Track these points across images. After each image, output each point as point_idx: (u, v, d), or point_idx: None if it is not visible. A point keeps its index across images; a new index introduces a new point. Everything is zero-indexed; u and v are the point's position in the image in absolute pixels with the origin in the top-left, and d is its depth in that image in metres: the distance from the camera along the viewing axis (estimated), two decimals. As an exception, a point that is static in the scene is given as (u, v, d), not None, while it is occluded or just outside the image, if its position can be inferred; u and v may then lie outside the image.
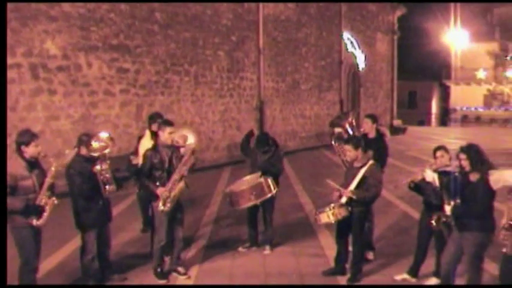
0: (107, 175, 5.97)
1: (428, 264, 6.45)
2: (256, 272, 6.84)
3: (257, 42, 18.59)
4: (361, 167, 6.43)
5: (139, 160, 7.37)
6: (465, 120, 42.97)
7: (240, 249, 7.71)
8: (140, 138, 8.10)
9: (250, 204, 7.34)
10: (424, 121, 45.94)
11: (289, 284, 6.46)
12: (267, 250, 7.61)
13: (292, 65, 20.90)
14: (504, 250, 5.08)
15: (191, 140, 6.76)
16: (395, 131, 29.12)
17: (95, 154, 5.93)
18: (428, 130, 35.77)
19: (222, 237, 8.43)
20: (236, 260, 7.30)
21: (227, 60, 17.23)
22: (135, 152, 7.96)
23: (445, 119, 46.59)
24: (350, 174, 6.52)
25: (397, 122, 30.88)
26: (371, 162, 6.48)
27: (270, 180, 7.37)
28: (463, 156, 5.45)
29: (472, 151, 5.46)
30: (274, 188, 7.39)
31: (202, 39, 16.11)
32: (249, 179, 7.58)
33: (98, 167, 5.90)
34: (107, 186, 6.01)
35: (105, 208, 6.22)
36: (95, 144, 5.94)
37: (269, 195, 7.34)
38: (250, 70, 18.37)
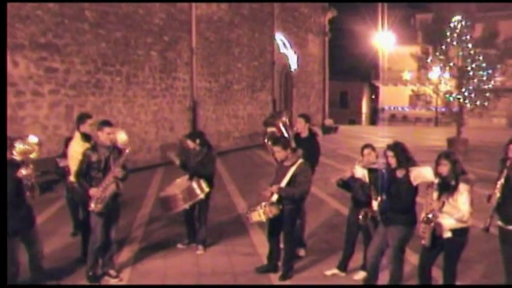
0: (32, 180, 5.73)
1: (357, 259, 6.68)
2: (189, 272, 6.87)
3: (190, 42, 18.55)
4: (291, 165, 6.58)
5: (66, 163, 7.22)
6: (393, 119, 44.65)
7: (179, 245, 7.80)
8: (68, 140, 7.76)
9: (181, 208, 7.42)
10: (355, 120, 47.33)
11: (223, 283, 6.54)
12: (199, 250, 7.65)
13: (225, 65, 20.99)
14: (423, 242, 5.40)
15: (123, 138, 6.75)
16: (327, 130, 29.78)
17: (18, 158, 5.65)
18: (358, 129, 36.84)
19: (155, 238, 8.39)
20: (169, 260, 7.30)
21: (159, 61, 17.10)
22: (63, 155, 7.77)
23: (374, 118, 48.21)
24: (280, 173, 6.66)
25: (328, 121, 31.58)
26: (300, 160, 6.64)
27: (201, 182, 7.43)
28: (390, 153, 5.72)
29: (398, 149, 5.74)
30: (206, 189, 7.45)
31: (134, 39, 15.90)
32: (180, 182, 7.67)
33: (23, 172, 5.59)
34: (31, 191, 5.72)
35: (28, 214, 5.91)
36: (18, 147, 5.68)
37: (200, 197, 7.41)
38: (183, 70, 18.30)
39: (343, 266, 6.71)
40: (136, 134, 15.98)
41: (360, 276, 6.51)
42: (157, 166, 15.64)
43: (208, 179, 7.60)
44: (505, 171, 5.10)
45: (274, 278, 6.58)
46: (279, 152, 6.64)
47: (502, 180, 5.07)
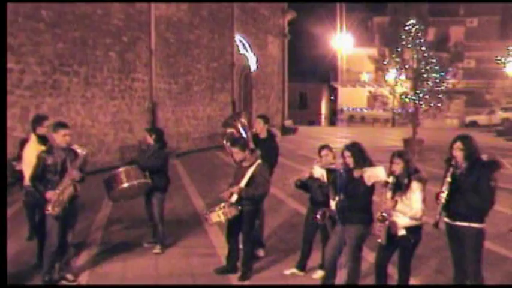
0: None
1: (316, 258, 6.78)
2: (148, 274, 6.85)
3: (149, 43, 18.41)
4: (250, 166, 6.64)
5: (22, 166, 7.10)
6: (351, 120, 45.38)
7: (146, 244, 7.88)
8: (23, 142, 7.62)
9: (124, 186, 7.46)
10: (314, 121, 47.85)
11: (181, 284, 6.55)
12: (156, 249, 7.66)
13: (185, 66, 20.93)
14: (379, 240, 5.54)
15: None
16: (286, 131, 30.01)
17: None
18: (318, 130, 37.24)
19: (114, 241, 8.32)
20: (128, 263, 7.25)
21: (118, 61, 16.91)
22: (19, 157, 7.62)
23: (333, 119, 48.88)
24: (239, 174, 6.71)
25: (288, 122, 31.82)
26: (259, 161, 6.71)
27: (138, 169, 7.57)
28: (347, 153, 5.83)
29: (355, 149, 5.87)
30: (149, 180, 7.57)
31: (92, 39, 15.68)
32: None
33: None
34: None
35: None
36: None
37: (144, 180, 7.52)
38: (142, 71, 18.15)
39: (301, 266, 6.79)
40: (95, 135, 15.77)
41: (318, 275, 6.60)
42: (115, 168, 15.41)
43: (152, 172, 7.65)
44: (451, 170, 5.28)
45: (234, 279, 6.62)
46: (237, 153, 6.70)
47: (449, 179, 5.26)
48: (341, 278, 6.08)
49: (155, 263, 7.29)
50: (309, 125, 42.98)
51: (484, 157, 5.42)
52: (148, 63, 18.43)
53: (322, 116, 50.76)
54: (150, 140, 7.90)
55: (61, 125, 6.46)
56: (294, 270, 6.80)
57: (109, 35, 16.41)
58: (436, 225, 5.27)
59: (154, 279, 6.67)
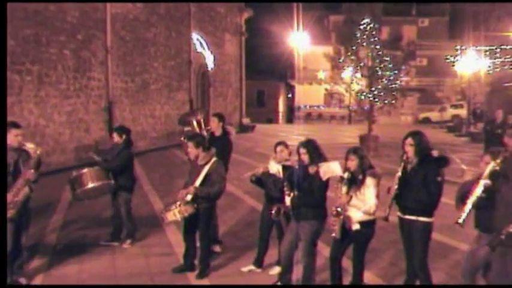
0: None
1: (273, 254, 6.85)
2: (105, 274, 6.79)
3: (105, 41, 18.16)
4: (205, 164, 6.66)
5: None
6: (309, 117, 45.90)
7: (102, 242, 7.87)
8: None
9: (89, 187, 7.53)
10: (272, 119, 48.16)
11: (139, 284, 6.53)
12: (126, 244, 7.82)
13: (141, 65, 20.74)
14: (333, 235, 5.67)
15: None
16: (244, 129, 30.11)
17: None
18: (275, 127, 37.48)
19: (70, 242, 8.19)
20: (84, 264, 7.17)
21: (73, 60, 16.62)
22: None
23: (291, 116, 49.25)
24: (194, 172, 6.72)
25: (246, 120, 31.93)
26: (214, 159, 6.74)
27: (104, 170, 7.65)
28: (302, 150, 5.93)
29: (310, 146, 5.97)
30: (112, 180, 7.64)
31: (45, 36, 15.34)
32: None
33: None
34: None
35: None
36: None
37: (109, 181, 7.59)
38: (97, 70, 17.89)
39: (258, 262, 6.85)
40: (49, 135, 15.46)
41: (275, 271, 6.67)
42: (72, 168, 15.15)
43: (118, 172, 7.72)
44: (402, 165, 5.46)
45: (192, 277, 6.63)
46: (191, 149, 6.72)
47: (400, 173, 5.43)
48: (297, 273, 6.18)
49: (112, 263, 7.23)
50: (266, 122, 43.24)
51: (435, 153, 5.60)
52: (104, 61, 18.19)
53: (280, 114, 51.12)
54: (118, 139, 7.85)
55: (13, 124, 6.32)
56: (252, 267, 6.85)
57: (63, 32, 16.10)
58: (386, 218, 5.43)
59: (111, 280, 6.62)
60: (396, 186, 5.38)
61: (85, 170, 7.62)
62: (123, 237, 7.96)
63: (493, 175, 4.43)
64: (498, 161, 4.41)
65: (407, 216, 5.48)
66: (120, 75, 19.26)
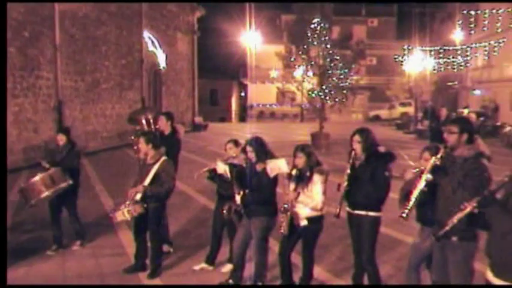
0: None
1: (224, 252, 6.91)
2: (54, 276, 6.70)
3: (53, 38, 17.78)
4: (154, 163, 6.66)
5: None
6: (261, 116, 46.23)
7: (48, 252, 7.57)
8: None
9: (43, 196, 7.33)
10: (225, 117, 48.23)
11: (89, 284, 6.48)
12: (76, 246, 7.72)
13: (92, 63, 20.41)
14: (281, 231, 5.79)
15: None
16: (197, 127, 30.07)
17: None
18: (228, 126, 37.55)
19: (18, 246, 8.00)
20: (34, 267, 7.04)
21: (19, 58, 16.20)
22: None
23: (243, 115, 49.44)
24: (144, 171, 6.72)
25: (198, 119, 31.87)
26: (163, 158, 6.74)
27: (60, 171, 7.43)
28: (249, 148, 6.00)
29: (257, 144, 6.04)
30: (70, 181, 7.48)
31: (-12, 34, 14.90)
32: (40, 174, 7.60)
33: None
34: None
35: None
36: None
37: (63, 185, 7.41)
38: (46, 68, 17.50)
39: (210, 260, 6.90)
40: (-6, 135, 15.01)
41: (227, 268, 6.72)
42: (20, 170, 14.81)
43: (72, 173, 7.59)
44: (351, 161, 5.60)
45: (143, 277, 6.61)
46: (141, 145, 6.71)
47: (348, 170, 5.57)
48: (249, 270, 6.26)
49: (62, 265, 7.13)
50: (220, 121, 43.27)
51: (381, 149, 5.77)
52: (53, 59, 17.81)
53: (233, 113, 51.23)
54: (62, 140, 7.73)
55: None
56: (203, 265, 6.89)
57: (8, 29, 15.64)
58: (338, 215, 5.56)
59: (61, 281, 6.54)
60: (346, 183, 5.52)
61: (37, 178, 7.36)
62: (76, 237, 7.85)
63: (434, 170, 4.60)
64: (439, 156, 4.59)
65: (356, 212, 5.62)
66: (70, 73, 18.90)
